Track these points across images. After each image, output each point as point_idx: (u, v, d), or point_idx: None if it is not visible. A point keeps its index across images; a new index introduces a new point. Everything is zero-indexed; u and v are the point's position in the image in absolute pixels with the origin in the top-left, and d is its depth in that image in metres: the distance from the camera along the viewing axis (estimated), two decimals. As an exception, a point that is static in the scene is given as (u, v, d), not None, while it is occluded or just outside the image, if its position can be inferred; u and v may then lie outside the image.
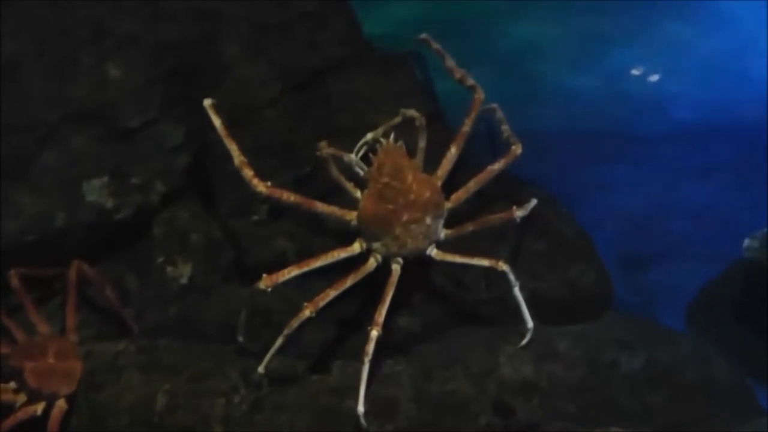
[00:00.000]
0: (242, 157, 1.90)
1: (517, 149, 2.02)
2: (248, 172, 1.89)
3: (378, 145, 1.96)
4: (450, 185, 1.98)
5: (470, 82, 2.06)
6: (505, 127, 2.07)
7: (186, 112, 2.12)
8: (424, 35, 2.18)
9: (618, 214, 2.30)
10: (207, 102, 1.97)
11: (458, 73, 2.09)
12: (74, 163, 2.08)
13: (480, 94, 2.04)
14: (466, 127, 2.01)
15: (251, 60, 2.19)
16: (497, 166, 2.00)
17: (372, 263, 1.90)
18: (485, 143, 2.18)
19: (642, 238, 2.32)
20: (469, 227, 1.95)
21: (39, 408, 1.90)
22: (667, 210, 2.35)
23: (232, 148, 1.91)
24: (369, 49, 2.28)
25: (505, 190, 2.08)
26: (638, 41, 2.40)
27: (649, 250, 2.31)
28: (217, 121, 1.95)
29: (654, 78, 2.41)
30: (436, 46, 2.15)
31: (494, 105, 2.10)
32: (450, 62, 2.11)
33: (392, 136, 1.96)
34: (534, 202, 2.01)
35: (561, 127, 2.30)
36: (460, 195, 1.98)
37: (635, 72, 2.41)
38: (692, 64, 2.40)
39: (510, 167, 2.05)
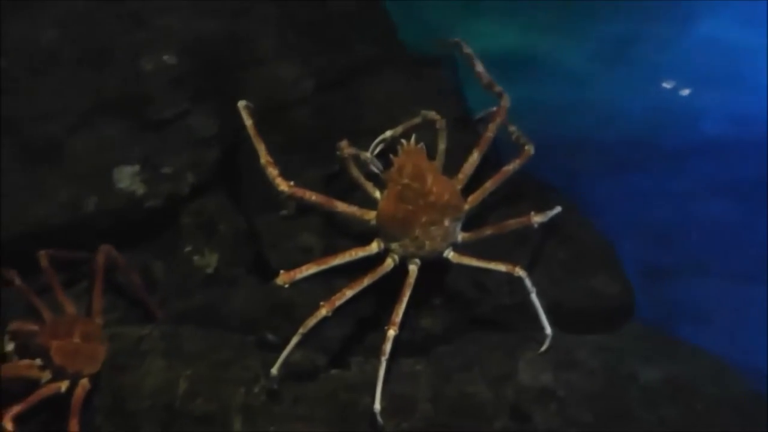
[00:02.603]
0: (268, 157, 1.92)
1: (530, 149, 2.03)
2: (272, 171, 1.91)
3: (399, 147, 1.98)
4: (473, 189, 1.99)
5: (497, 88, 2.07)
6: (512, 129, 2.07)
7: (218, 106, 2.16)
8: (456, 39, 2.18)
9: (642, 226, 2.30)
10: (241, 103, 2.00)
11: (486, 79, 2.09)
12: (107, 150, 2.12)
13: (506, 101, 2.04)
14: (490, 132, 2.02)
15: (284, 57, 2.22)
16: (512, 167, 2.01)
17: (389, 263, 1.92)
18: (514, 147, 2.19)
19: (665, 250, 2.31)
20: (487, 231, 1.96)
21: (63, 386, 1.94)
22: (692, 224, 2.33)
23: (260, 147, 1.94)
24: (402, 51, 2.30)
25: (531, 195, 2.09)
26: (671, 54, 2.40)
27: (671, 264, 2.30)
28: (248, 121, 1.98)
29: (685, 92, 2.40)
30: (467, 50, 2.14)
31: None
32: (479, 67, 2.11)
33: (413, 137, 1.98)
34: (557, 209, 2.01)
35: (590, 135, 2.30)
36: (476, 196, 1.99)
37: (666, 85, 2.40)
38: (723, 79, 2.39)
39: (536, 173, 2.06)
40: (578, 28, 2.29)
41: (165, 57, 2.16)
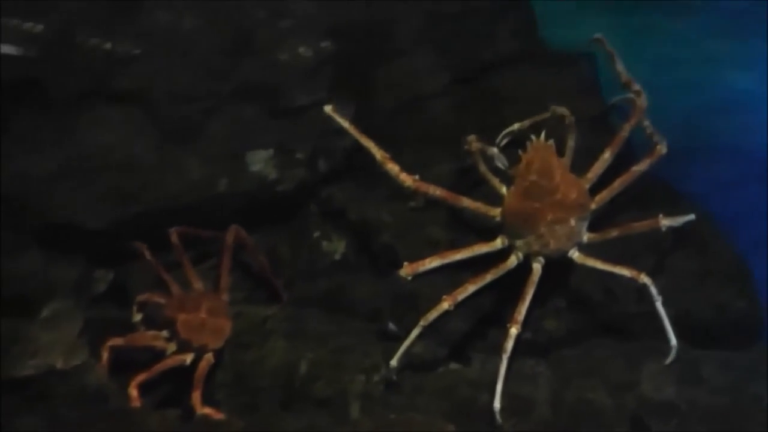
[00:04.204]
0: (383, 153, 1.93)
1: (662, 149, 1.97)
2: (393, 168, 1.92)
3: (528, 142, 1.95)
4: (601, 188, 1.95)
5: (636, 87, 2.02)
6: (647, 124, 2.01)
7: (354, 95, 2.18)
8: (598, 35, 2.13)
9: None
10: (328, 108, 2.02)
11: (625, 77, 2.05)
12: (242, 134, 2.17)
13: (643, 101, 1.99)
14: (624, 132, 1.98)
15: (423, 49, 2.23)
16: (642, 167, 1.96)
17: (513, 260, 1.90)
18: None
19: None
20: (614, 232, 1.92)
21: (188, 358, 1.99)
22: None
23: (370, 145, 1.95)
24: (542, 47, 2.27)
25: (664, 202, 2.01)
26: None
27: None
28: (345, 123, 2.00)
29: (830, 103, 2.27)
30: (608, 47, 2.10)
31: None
32: (619, 65, 2.07)
33: (543, 133, 1.95)
34: (689, 216, 1.95)
35: (732, 143, 2.21)
36: (604, 196, 1.95)
37: (812, 96, 2.27)
38: None
39: (672, 179, 2.00)
40: (726, 31, 2.21)
41: (301, 49, 2.19)
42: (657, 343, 1.88)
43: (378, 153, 1.93)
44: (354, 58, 2.23)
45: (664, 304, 1.84)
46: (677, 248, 2.04)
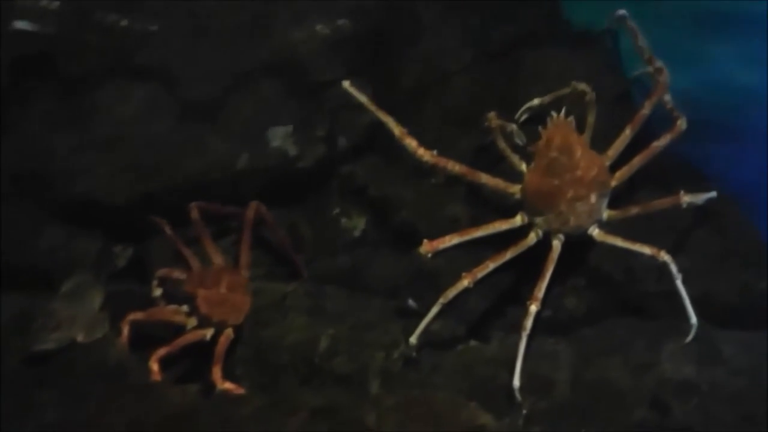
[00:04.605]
0: (401, 128, 1.93)
1: (682, 124, 1.95)
2: (411, 143, 1.92)
3: (548, 119, 1.94)
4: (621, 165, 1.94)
5: (657, 64, 2.00)
6: (667, 98, 1.99)
7: (375, 72, 2.17)
8: (621, 11, 2.10)
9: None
10: (345, 83, 2.02)
11: (647, 53, 2.03)
12: (262, 111, 2.17)
13: (665, 77, 1.97)
14: (646, 110, 1.96)
15: (446, 26, 2.21)
16: (662, 143, 1.94)
17: (532, 237, 1.90)
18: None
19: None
20: (634, 210, 1.91)
21: (208, 333, 2.00)
22: None
23: (388, 120, 1.95)
24: (565, 25, 2.25)
25: (686, 183, 1.97)
26: None
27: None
28: (362, 98, 1.99)
29: None
30: (631, 24, 2.07)
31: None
32: (642, 41, 2.05)
33: (563, 110, 1.94)
34: (711, 194, 1.93)
35: (757, 124, 2.18)
36: (624, 172, 1.95)
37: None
38: None
39: (695, 160, 1.98)
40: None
41: (318, 26, 2.18)
42: (677, 323, 1.87)
43: (396, 128, 1.93)
44: (374, 36, 2.21)
45: (685, 282, 1.83)
46: (698, 227, 2.02)
